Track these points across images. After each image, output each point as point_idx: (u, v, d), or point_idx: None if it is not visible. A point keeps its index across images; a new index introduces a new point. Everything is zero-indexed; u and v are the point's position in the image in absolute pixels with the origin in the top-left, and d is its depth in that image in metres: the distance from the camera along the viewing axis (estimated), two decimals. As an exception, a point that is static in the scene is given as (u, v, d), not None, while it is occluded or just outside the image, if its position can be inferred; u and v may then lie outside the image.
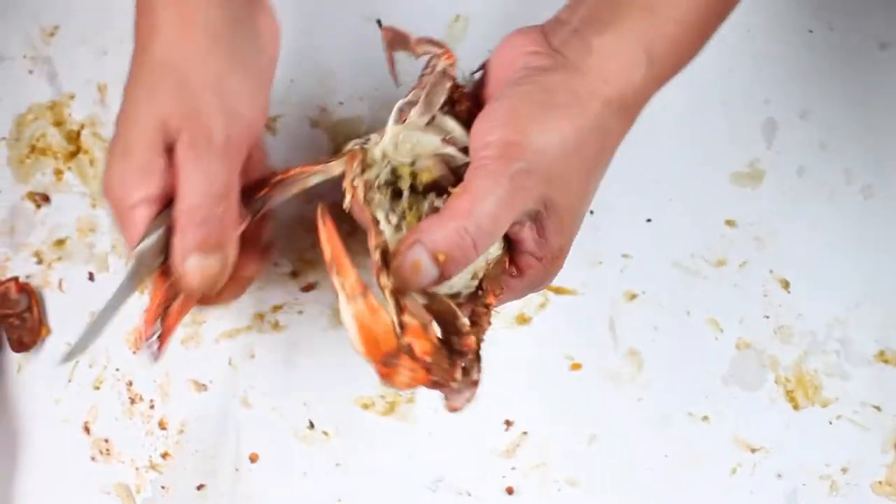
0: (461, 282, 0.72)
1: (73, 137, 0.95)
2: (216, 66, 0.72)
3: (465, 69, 0.93)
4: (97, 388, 0.90)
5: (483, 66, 0.77)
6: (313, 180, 0.76)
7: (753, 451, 0.89)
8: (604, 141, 0.71)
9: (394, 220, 0.72)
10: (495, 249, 0.72)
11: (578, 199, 0.72)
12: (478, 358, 0.71)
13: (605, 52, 0.71)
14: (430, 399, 0.89)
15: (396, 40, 0.79)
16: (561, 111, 0.70)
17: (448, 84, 0.76)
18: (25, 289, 0.90)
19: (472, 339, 0.71)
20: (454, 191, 0.69)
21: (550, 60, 0.72)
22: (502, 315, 0.90)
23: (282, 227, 0.92)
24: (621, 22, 0.72)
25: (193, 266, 0.71)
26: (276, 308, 0.91)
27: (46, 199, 0.94)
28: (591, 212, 0.90)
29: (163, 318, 0.74)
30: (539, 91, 0.70)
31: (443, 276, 0.68)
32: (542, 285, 0.76)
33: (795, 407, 0.89)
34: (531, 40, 0.73)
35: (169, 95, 0.71)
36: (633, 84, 0.72)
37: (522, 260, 0.73)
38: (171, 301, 0.74)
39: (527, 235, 0.71)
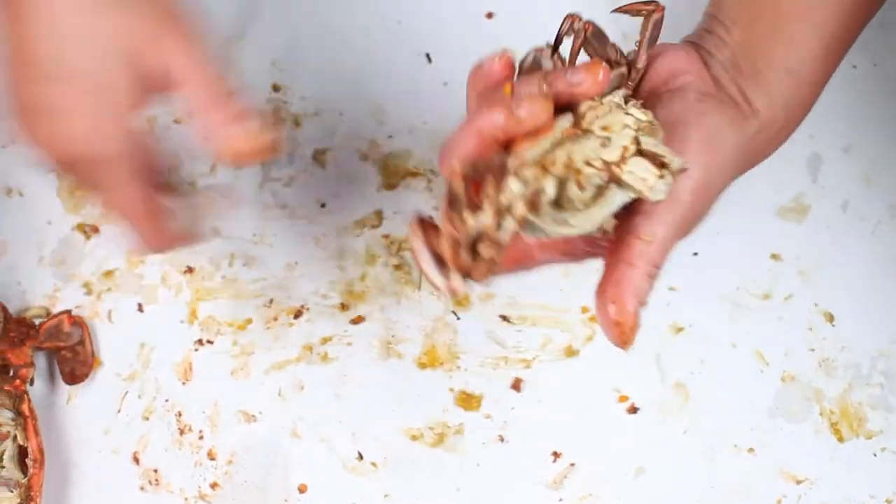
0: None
1: (124, 169, 0.95)
2: None
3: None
4: (147, 418, 0.90)
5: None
6: None
7: (799, 482, 0.89)
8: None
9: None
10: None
11: None
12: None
13: (756, 107, 0.72)
14: (478, 431, 0.89)
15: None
16: (723, 146, 0.70)
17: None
18: (78, 322, 0.91)
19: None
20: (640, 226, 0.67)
21: (716, 90, 0.72)
22: (550, 347, 0.91)
23: (330, 260, 0.93)
24: (766, 80, 0.73)
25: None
26: (326, 340, 0.91)
27: (96, 230, 0.94)
28: (639, 245, 0.91)
29: None
30: (711, 123, 0.70)
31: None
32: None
33: (840, 439, 0.90)
34: (695, 57, 0.73)
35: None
36: (770, 138, 0.74)
37: None
38: None
39: None
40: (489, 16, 0.98)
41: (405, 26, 0.98)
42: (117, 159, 0.73)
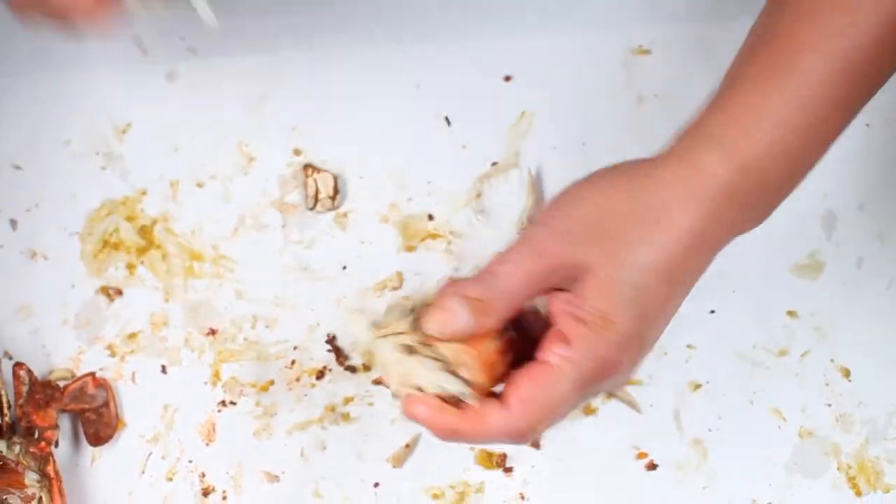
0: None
1: (146, 232, 0.97)
2: None
3: (531, 165, 0.96)
4: (170, 479, 0.91)
5: None
6: None
7: (817, 537, 0.90)
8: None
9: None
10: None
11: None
12: None
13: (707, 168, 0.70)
14: (498, 489, 0.90)
15: None
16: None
17: None
18: (102, 384, 0.92)
19: None
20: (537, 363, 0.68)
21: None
22: (569, 406, 0.92)
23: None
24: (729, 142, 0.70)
25: None
26: (348, 400, 0.92)
27: (119, 292, 0.95)
28: (657, 304, 0.92)
29: None
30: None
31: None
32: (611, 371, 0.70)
33: (858, 493, 0.90)
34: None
35: None
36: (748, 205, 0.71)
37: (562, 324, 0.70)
38: None
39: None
40: (507, 79, 0.99)
41: (424, 90, 0.99)
42: None
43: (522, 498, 0.90)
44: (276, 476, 0.91)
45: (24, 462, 0.87)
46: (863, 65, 0.71)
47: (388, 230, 0.96)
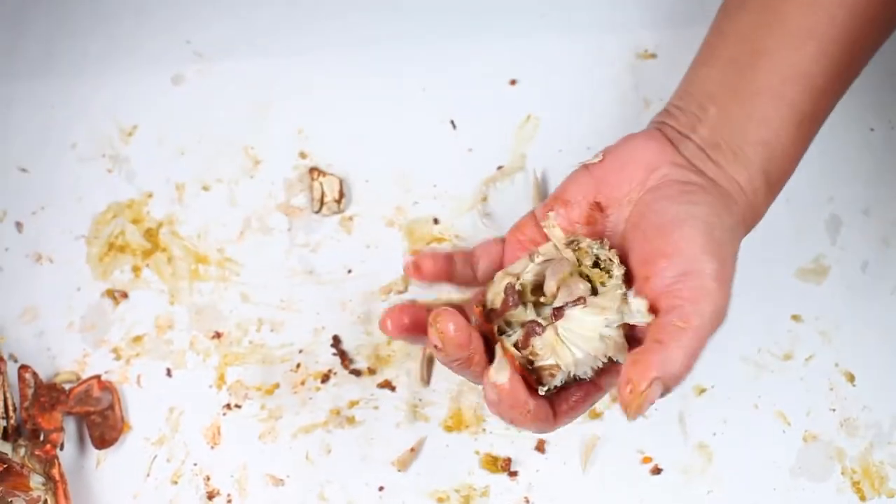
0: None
1: (152, 235, 0.97)
2: None
3: (537, 168, 0.96)
4: (175, 482, 0.91)
5: (603, 155, 0.77)
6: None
7: (822, 542, 0.90)
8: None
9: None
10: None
11: None
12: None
13: (737, 180, 0.75)
14: (503, 493, 0.90)
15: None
16: (721, 233, 0.72)
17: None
18: (107, 387, 0.92)
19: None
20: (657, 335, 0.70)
21: (694, 176, 0.74)
22: (574, 409, 0.92)
23: (356, 325, 0.94)
24: (744, 155, 0.75)
25: None
26: (353, 403, 0.92)
27: (125, 295, 0.96)
28: (662, 308, 0.92)
29: None
30: (704, 214, 0.72)
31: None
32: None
33: (862, 498, 0.90)
34: (664, 146, 0.76)
35: None
36: (756, 209, 0.76)
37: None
38: None
39: None
40: (513, 83, 0.99)
41: (430, 93, 0.99)
42: None
43: (527, 502, 0.90)
44: (281, 479, 0.91)
45: (30, 465, 0.87)
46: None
47: (394, 233, 0.96)
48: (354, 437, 0.92)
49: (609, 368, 0.73)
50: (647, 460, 0.91)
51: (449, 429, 0.92)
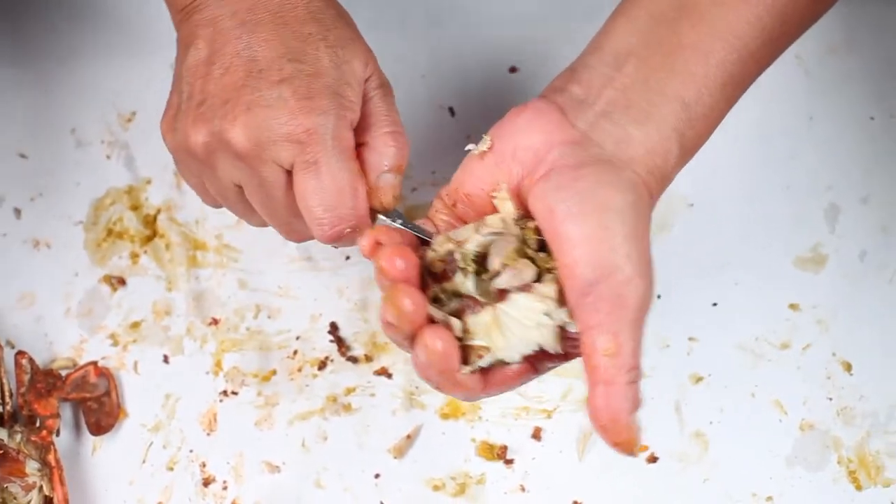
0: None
1: (150, 221, 0.97)
2: None
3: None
4: (171, 469, 0.91)
5: (492, 140, 0.73)
6: None
7: (817, 530, 0.90)
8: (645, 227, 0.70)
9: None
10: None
11: None
12: None
13: (645, 144, 0.70)
14: (499, 481, 0.90)
15: None
16: (617, 214, 0.67)
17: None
18: (104, 373, 0.92)
19: None
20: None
21: (587, 153, 0.69)
22: (571, 397, 0.92)
23: (354, 312, 0.94)
24: (659, 114, 0.70)
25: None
26: (350, 390, 0.92)
27: (122, 282, 0.96)
28: (659, 296, 0.92)
29: None
30: (602, 201, 0.67)
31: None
32: None
33: (858, 487, 0.90)
34: (554, 122, 0.70)
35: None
36: (665, 174, 0.71)
37: None
38: None
39: None
40: (512, 70, 0.99)
41: (429, 80, 0.99)
42: None
43: (523, 489, 0.90)
44: (277, 466, 0.91)
45: (26, 451, 0.87)
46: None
47: (392, 221, 0.96)
48: (351, 425, 0.92)
49: (539, 355, 0.70)
50: (643, 448, 0.91)
51: (445, 416, 0.92)
